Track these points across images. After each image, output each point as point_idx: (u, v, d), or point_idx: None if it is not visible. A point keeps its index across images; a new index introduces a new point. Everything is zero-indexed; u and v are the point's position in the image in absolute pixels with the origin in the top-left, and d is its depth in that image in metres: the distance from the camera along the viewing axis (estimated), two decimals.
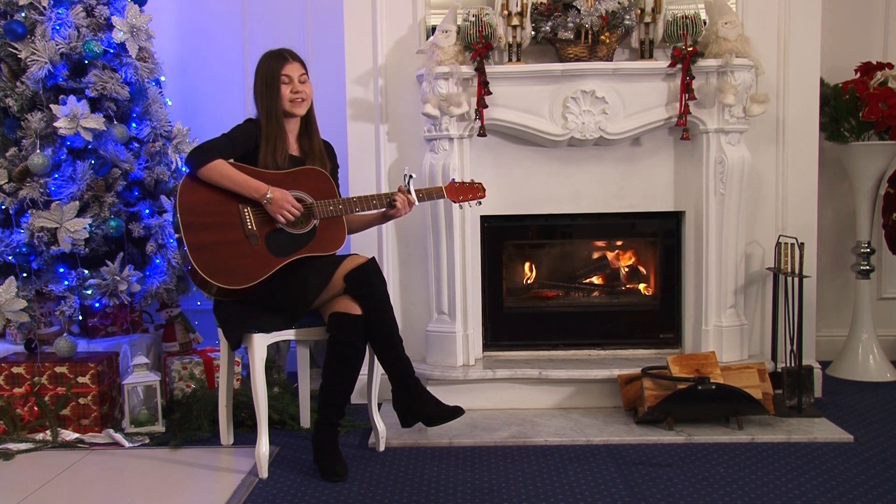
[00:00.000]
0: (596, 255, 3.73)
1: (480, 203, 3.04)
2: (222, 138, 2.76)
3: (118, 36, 3.31)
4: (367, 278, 2.70)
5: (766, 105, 3.30)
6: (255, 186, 2.71)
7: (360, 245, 3.46)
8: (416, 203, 2.88)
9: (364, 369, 2.86)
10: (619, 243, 3.69)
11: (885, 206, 3.81)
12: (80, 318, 3.30)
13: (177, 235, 2.71)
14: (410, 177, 2.87)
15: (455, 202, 3.01)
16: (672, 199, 3.47)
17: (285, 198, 2.71)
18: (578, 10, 3.23)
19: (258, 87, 2.83)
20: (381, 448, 2.94)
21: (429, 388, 2.82)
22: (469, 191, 2.99)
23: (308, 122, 2.92)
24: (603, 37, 3.26)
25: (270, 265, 2.70)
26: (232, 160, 2.75)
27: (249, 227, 2.72)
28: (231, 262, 2.67)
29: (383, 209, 2.87)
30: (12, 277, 3.16)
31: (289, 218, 2.73)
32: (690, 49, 3.20)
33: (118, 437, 3.06)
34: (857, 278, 3.82)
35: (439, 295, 3.42)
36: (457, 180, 3.04)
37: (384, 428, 2.96)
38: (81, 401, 3.12)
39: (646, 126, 3.32)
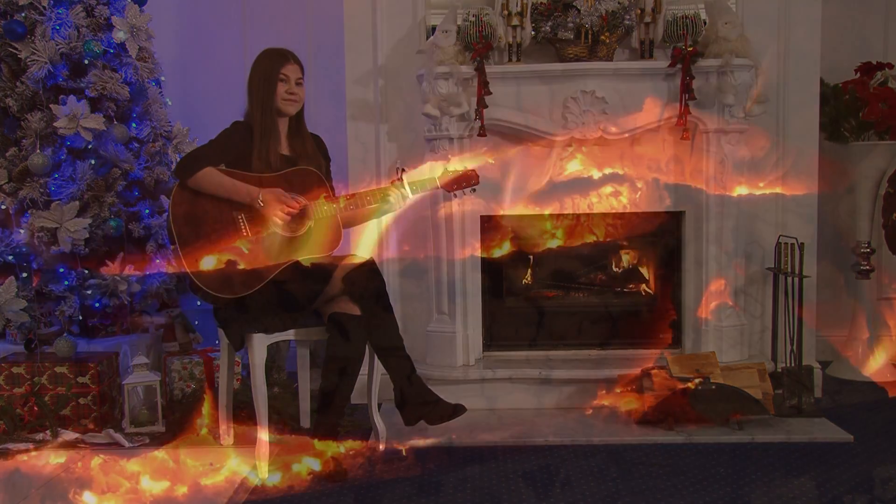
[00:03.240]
0: (596, 255, 3.73)
1: (475, 190, 2.98)
2: (210, 145, 2.74)
3: (118, 36, 3.31)
4: (366, 279, 2.70)
5: (766, 105, 3.30)
6: (247, 191, 2.68)
7: (360, 245, 3.45)
8: (411, 196, 2.86)
9: (364, 369, 2.86)
10: (619, 243, 3.69)
11: (885, 206, 3.81)
12: (80, 318, 3.30)
13: (172, 247, 2.69)
14: (402, 170, 2.85)
15: (449, 191, 2.95)
16: (672, 199, 3.47)
17: (278, 196, 2.68)
18: (578, 10, 3.22)
19: (255, 80, 2.80)
20: (381, 448, 2.94)
21: None
22: (462, 179, 2.93)
23: (298, 124, 2.90)
24: (603, 37, 3.26)
25: (268, 270, 2.69)
26: (222, 166, 2.73)
27: (244, 233, 2.70)
28: (228, 270, 2.65)
29: (378, 204, 2.86)
30: (12, 277, 3.16)
31: (285, 218, 2.70)
32: (690, 49, 3.20)
33: (118, 437, 3.06)
34: (857, 278, 3.82)
35: (439, 295, 3.41)
36: (449, 169, 2.99)
37: (384, 428, 2.96)
38: (81, 401, 3.12)
39: (646, 126, 3.32)
